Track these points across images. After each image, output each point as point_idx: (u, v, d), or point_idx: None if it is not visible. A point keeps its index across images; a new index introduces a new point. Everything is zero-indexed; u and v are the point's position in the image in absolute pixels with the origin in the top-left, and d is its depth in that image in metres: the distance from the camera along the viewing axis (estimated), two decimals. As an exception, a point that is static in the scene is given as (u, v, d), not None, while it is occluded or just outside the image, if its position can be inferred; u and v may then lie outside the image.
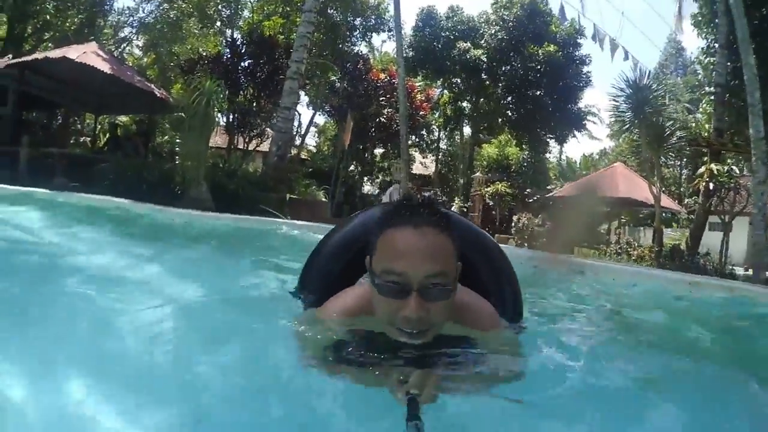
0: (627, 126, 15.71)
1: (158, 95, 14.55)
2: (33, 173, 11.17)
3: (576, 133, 28.73)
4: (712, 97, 15.46)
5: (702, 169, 14.67)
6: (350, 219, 2.07)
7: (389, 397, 1.16)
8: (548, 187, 24.98)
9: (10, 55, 16.83)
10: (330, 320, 1.53)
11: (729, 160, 17.13)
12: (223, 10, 19.96)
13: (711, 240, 18.12)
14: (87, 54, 12.56)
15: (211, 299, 2.39)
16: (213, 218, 7.06)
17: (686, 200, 23.76)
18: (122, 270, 2.91)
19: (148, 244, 4.53)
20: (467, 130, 30.63)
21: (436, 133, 31.08)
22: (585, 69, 26.05)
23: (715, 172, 13.52)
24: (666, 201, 19.22)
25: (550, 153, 34.60)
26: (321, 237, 2.06)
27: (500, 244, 2.01)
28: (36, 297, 2.07)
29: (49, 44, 19.40)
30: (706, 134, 15.92)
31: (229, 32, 20.37)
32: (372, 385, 1.29)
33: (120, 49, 22.62)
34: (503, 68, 25.83)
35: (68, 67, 12.28)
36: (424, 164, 30.03)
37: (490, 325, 1.57)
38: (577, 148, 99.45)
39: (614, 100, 15.03)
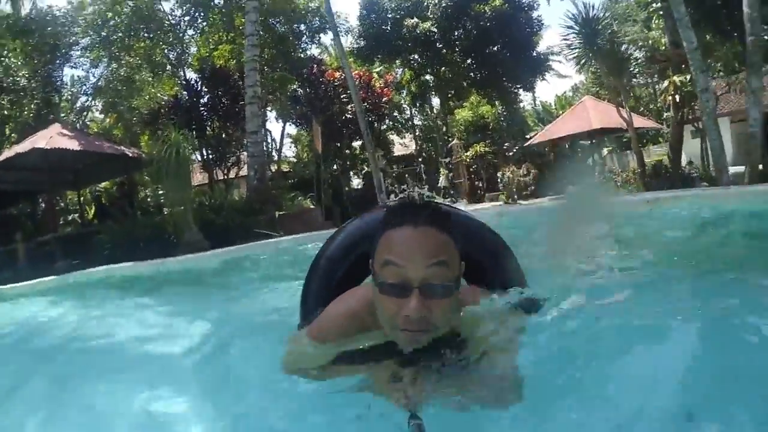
0: (584, 61, 16.00)
1: (130, 155, 14.87)
2: (33, 264, 11.47)
3: (541, 77, 28.92)
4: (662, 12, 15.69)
5: (666, 83, 14.96)
6: (342, 228, 2.05)
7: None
8: (527, 137, 25.26)
9: None
10: (322, 347, 1.51)
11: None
12: (170, 53, 20.10)
13: (696, 148, 18.50)
14: (54, 138, 12.85)
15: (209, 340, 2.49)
16: (208, 257, 7.43)
17: (665, 115, 24.07)
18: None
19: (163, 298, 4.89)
20: (436, 102, 30.82)
21: (408, 112, 31.36)
22: (535, 14, 26.19)
23: (678, 83, 13.79)
24: (641, 121, 19.46)
25: (522, 102, 34.82)
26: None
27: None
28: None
29: (12, 135, 19.71)
30: (663, 48, 16.14)
31: (181, 72, 20.52)
32: (368, 389, 1.32)
33: (82, 118, 22.83)
34: (456, 33, 25.93)
35: (39, 155, 12.56)
36: (403, 144, 30.31)
37: (471, 298, 1.54)
38: (549, 90, 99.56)
39: (565, 38, 15.36)
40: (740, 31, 14.75)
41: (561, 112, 29.76)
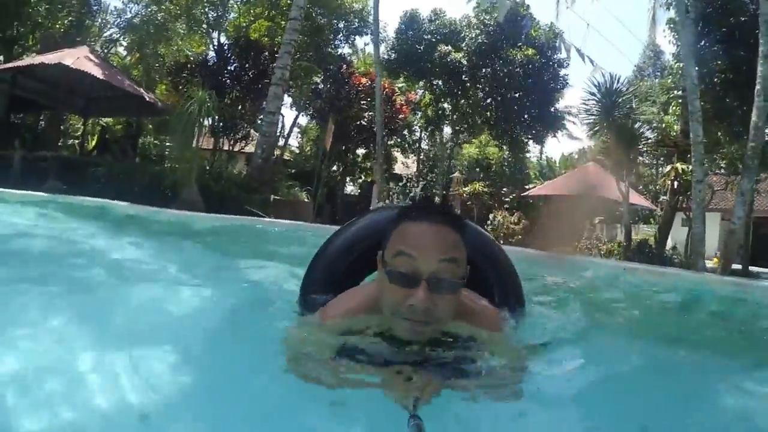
0: (597, 128, 16.47)
1: (147, 99, 14.99)
2: (25, 176, 11.53)
3: (555, 133, 29.52)
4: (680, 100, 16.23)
5: (668, 168, 15.49)
6: (353, 222, 2.09)
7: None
8: (526, 187, 25.71)
9: (1, 57, 17.13)
10: (332, 322, 1.54)
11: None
12: (210, 12, 20.29)
13: (683, 236, 19.09)
14: (81, 59, 12.99)
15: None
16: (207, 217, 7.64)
17: (661, 198, 24.70)
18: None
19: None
20: (448, 131, 31.27)
21: (418, 134, 31.76)
22: (562, 72, 26.65)
23: (680, 170, 14.24)
24: (638, 198, 19.96)
25: (530, 153, 35.43)
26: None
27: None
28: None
29: (35, 45, 19.72)
30: (674, 134, 16.68)
31: (215, 34, 20.70)
32: (375, 387, 1.32)
33: (106, 50, 22.90)
34: (483, 71, 26.37)
35: (63, 72, 12.70)
36: (405, 164, 30.65)
37: (494, 324, 1.60)
38: (557, 147, 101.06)
39: (584, 103, 15.82)
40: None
41: (563, 171, 30.30)
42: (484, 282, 1.86)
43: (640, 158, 20.11)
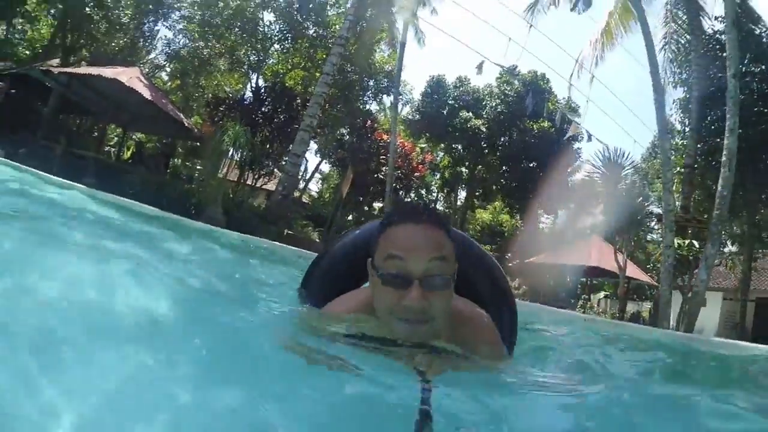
0: (598, 200, 17.16)
1: (186, 124, 16.21)
2: (64, 170, 12.41)
3: (567, 206, 30.25)
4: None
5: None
6: (351, 231, 2.14)
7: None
8: (534, 255, 26.26)
9: (59, 60, 18.64)
10: (334, 314, 1.59)
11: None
12: (252, 56, 21.80)
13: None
14: (133, 79, 14.26)
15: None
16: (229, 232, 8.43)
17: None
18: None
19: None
20: (463, 194, 32.20)
21: (435, 194, 32.75)
22: (576, 146, 27.64)
23: (676, 245, 14.41)
24: (635, 272, 20.16)
25: (543, 223, 36.13)
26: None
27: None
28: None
29: (87, 56, 21.43)
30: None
31: (254, 76, 22.13)
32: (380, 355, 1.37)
33: (151, 73, 24.51)
34: (501, 139, 27.41)
35: (116, 86, 13.95)
36: (431, 206, 31.47)
37: (492, 342, 1.61)
38: (575, 220, 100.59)
39: (588, 175, 16.67)
40: (749, 212, 16.05)
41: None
42: (472, 286, 1.88)
43: (650, 235, 20.42)
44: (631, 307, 23.33)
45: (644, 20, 14.15)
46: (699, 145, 15.56)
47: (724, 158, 11.41)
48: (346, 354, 1.37)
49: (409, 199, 27.85)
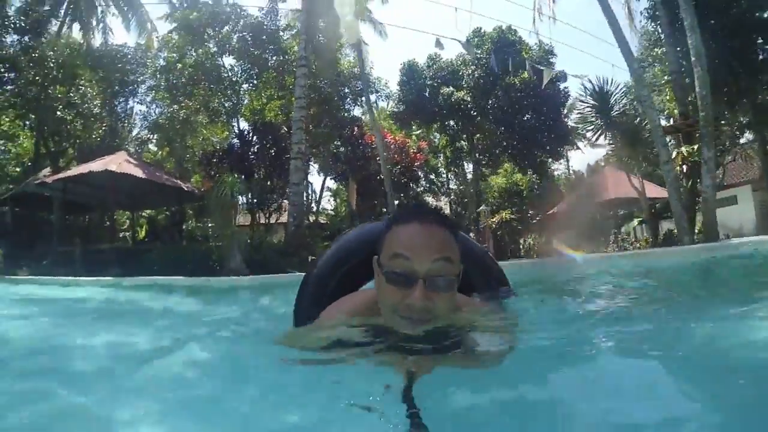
0: (598, 133, 17.01)
1: (185, 189, 16.55)
2: (87, 268, 12.79)
3: (571, 146, 30.04)
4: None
5: (674, 154, 15.85)
6: (340, 237, 2.19)
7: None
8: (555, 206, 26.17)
9: (49, 169, 19.20)
10: (333, 319, 1.61)
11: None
12: (226, 102, 22.09)
13: (719, 215, 19.00)
14: (122, 164, 14.65)
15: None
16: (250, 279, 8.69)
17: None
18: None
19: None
20: (471, 167, 32.16)
21: (445, 176, 32.73)
22: (562, 85, 27.35)
23: (685, 153, 14.26)
24: (656, 191, 20.01)
25: (556, 170, 35.88)
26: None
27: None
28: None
29: (74, 153, 22.00)
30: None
31: (234, 121, 22.44)
32: (372, 358, 1.41)
33: (139, 149, 24.99)
34: (489, 102, 27.27)
35: (109, 176, 14.34)
36: (439, 207, 31.49)
37: (471, 303, 1.67)
38: (583, 158, 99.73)
39: (579, 112, 16.58)
40: (749, 98, 15.76)
41: (590, 181, 30.43)
42: (472, 281, 1.91)
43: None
44: (668, 226, 23.08)
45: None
46: (678, 49, 15.30)
47: (693, 59, 11.32)
48: (339, 364, 1.45)
49: (419, 189, 27.94)
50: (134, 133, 26.02)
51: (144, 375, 1.73)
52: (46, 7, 20.36)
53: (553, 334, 1.79)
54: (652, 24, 17.47)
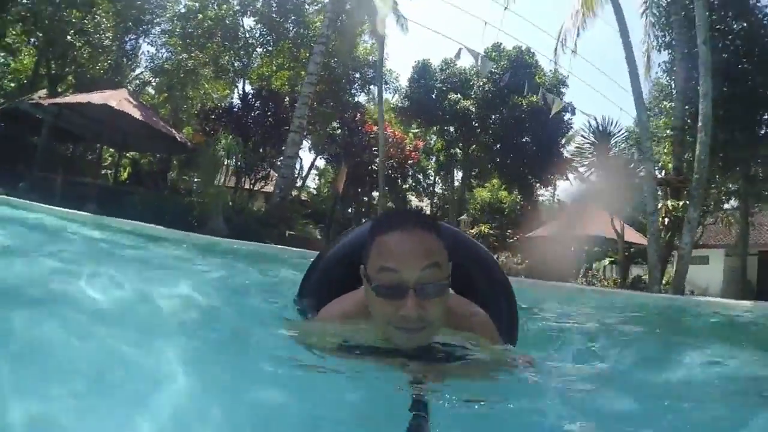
0: (592, 170, 17.32)
1: (179, 139, 16.41)
2: (66, 199, 12.52)
3: (563, 177, 30.40)
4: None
5: (659, 205, 16.21)
6: (346, 233, 2.12)
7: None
8: (534, 229, 26.51)
9: (45, 90, 18.85)
10: (330, 323, 1.60)
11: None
12: (236, 62, 21.92)
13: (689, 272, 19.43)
14: (122, 101, 14.46)
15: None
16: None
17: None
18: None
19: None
20: (460, 175, 32.27)
21: (432, 178, 32.90)
22: (567, 116, 27.68)
23: (670, 207, 14.54)
24: (635, 236, 20.33)
25: (542, 196, 36.29)
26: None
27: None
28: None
29: (73, 81, 21.63)
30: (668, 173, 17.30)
31: (240, 82, 22.28)
32: (377, 362, 1.38)
33: (138, 89, 24.66)
34: (492, 117, 27.38)
35: (106, 111, 14.15)
36: (419, 207, 31.69)
37: (489, 334, 1.59)
38: (570, 190, 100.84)
39: (579, 147, 16.87)
40: (742, 167, 16.20)
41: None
42: (474, 287, 1.89)
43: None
44: (638, 271, 23.54)
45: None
46: (687, 107, 15.64)
47: (699, 124, 11.60)
48: (340, 365, 1.43)
49: (405, 186, 28.07)
50: (136, 72, 25.67)
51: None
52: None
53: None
54: (667, 78, 17.78)
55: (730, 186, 18.66)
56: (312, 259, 2.10)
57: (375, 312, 1.40)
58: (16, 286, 2.10)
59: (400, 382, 1.35)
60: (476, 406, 1.35)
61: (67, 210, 8.95)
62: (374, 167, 20.70)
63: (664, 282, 16.09)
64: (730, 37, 14.81)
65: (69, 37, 19.31)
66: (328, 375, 1.42)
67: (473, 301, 1.67)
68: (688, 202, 14.08)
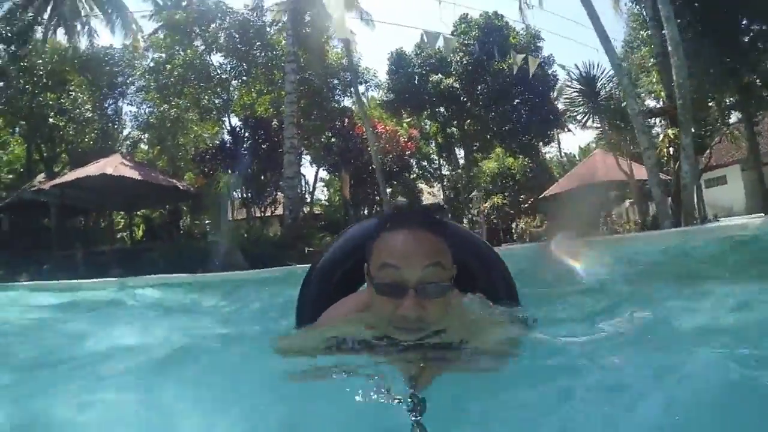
0: (586, 116, 17.28)
1: (180, 188, 16.72)
2: (89, 269, 12.91)
3: (561, 129, 30.23)
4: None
5: (661, 136, 16.07)
6: (338, 236, 2.14)
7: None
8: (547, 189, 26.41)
9: (43, 175, 19.31)
10: (326, 326, 1.60)
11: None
12: (216, 99, 22.19)
13: (710, 195, 19.14)
14: (118, 166, 14.80)
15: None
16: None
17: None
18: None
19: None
20: (462, 153, 32.25)
21: (437, 162, 32.92)
22: (550, 70, 27.61)
23: (671, 136, 14.49)
24: (644, 173, 20.22)
25: (548, 153, 36.06)
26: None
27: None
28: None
29: (67, 158, 22.11)
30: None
31: (226, 117, 22.54)
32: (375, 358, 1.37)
33: (131, 149, 25.06)
34: (478, 89, 27.40)
35: (106, 180, 14.51)
36: (432, 193, 31.71)
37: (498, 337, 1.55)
38: (574, 140, 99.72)
39: (567, 97, 16.84)
40: (734, 79, 16.00)
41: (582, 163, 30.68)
42: (474, 278, 1.90)
43: (655, 129, 20.28)
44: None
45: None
46: (663, 32, 15.46)
47: (669, 48, 11.51)
48: (339, 366, 1.40)
49: (411, 176, 28.10)
50: (125, 133, 26.08)
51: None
52: (30, 14, 20.32)
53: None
54: (637, 7, 17.62)
55: (728, 100, 18.38)
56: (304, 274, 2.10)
57: (376, 311, 1.41)
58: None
59: (397, 380, 1.30)
60: (474, 404, 1.33)
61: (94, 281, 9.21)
62: (373, 167, 20.84)
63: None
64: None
65: (51, 119, 19.77)
66: (323, 374, 1.41)
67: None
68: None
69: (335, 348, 1.48)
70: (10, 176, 22.79)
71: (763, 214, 11.67)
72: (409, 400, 1.17)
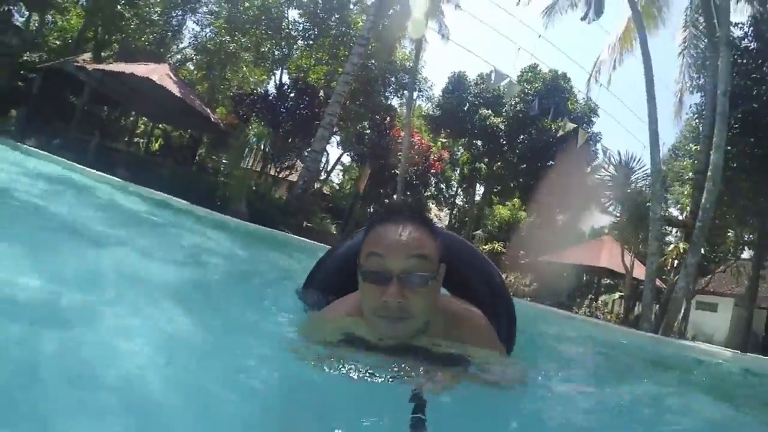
0: (609, 202, 17.44)
1: (212, 119, 16.84)
2: (99, 161, 12.86)
3: (585, 205, 30.26)
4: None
5: (671, 247, 16.25)
6: (355, 233, 2.15)
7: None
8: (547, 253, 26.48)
9: (90, 55, 19.41)
10: (338, 318, 1.61)
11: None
12: (276, 51, 22.35)
13: (697, 318, 19.35)
14: (163, 77, 14.93)
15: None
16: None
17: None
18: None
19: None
20: (482, 190, 32.38)
21: (455, 189, 33.05)
22: (593, 147, 27.66)
23: (681, 250, 14.64)
24: (642, 273, 20.33)
25: (559, 220, 36.05)
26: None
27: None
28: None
29: (116, 46, 22.29)
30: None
31: (278, 71, 22.67)
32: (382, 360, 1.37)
33: (179, 65, 25.24)
34: (520, 137, 27.43)
35: (147, 84, 14.65)
36: (438, 217, 31.83)
37: (489, 342, 1.60)
38: (590, 218, 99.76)
39: (599, 177, 16.98)
40: (760, 220, 16.14)
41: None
42: (467, 284, 1.94)
43: (667, 237, 20.39)
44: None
45: (640, 24, 14.71)
46: (711, 152, 15.61)
47: (709, 173, 11.66)
48: (340, 365, 1.37)
49: (426, 194, 28.25)
50: (179, 46, 26.26)
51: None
52: None
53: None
54: (697, 121, 17.77)
55: (748, 236, 18.56)
56: (321, 254, 2.17)
57: (363, 301, 1.46)
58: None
59: (399, 381, 1.32)
60: (475, 405, 1.35)
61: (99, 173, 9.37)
62: (397, 171, 20.98)
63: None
64: (764, 87, 14.68)
65: (119, 6, 19.92)
66: (328, 368, 1.38)
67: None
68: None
69: (345, 342, 1.52)
70: (58, 42, 22.84)
71: (738, 351, 11.84)
72: (411, 400, 1.18)
